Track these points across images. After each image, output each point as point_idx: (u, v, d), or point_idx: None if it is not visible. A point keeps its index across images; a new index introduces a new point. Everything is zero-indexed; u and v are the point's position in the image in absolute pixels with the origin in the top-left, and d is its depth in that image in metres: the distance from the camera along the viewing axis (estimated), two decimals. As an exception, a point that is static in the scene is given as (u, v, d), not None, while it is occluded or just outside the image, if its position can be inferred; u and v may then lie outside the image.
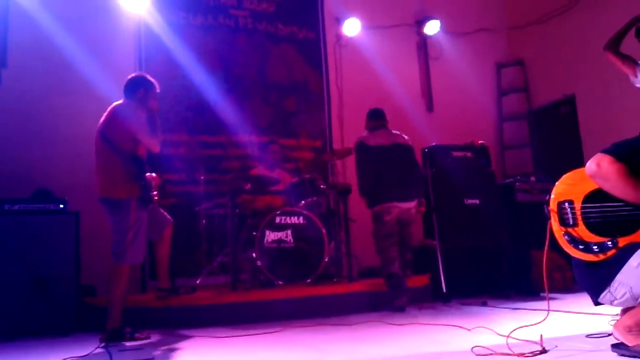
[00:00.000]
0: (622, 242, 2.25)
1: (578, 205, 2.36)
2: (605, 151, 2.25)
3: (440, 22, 7.29)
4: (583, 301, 3.86)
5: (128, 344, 3.48)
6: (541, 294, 4.62)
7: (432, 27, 7.31)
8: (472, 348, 2.54)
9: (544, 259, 2.48)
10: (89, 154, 3.85)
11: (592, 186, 2.33)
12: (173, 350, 3.27)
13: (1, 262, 4.11)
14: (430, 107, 7.45)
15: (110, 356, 3.04)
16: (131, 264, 3.69)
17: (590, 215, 2.34)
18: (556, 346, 2.50)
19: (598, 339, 2.62)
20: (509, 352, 2.40)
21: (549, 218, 2.42)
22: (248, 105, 6.46)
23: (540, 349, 2.41)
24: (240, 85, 6.50)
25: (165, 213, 4.14)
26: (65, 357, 2.99)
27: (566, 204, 2.39)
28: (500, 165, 7.58)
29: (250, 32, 6.68)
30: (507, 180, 5.90)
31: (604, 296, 2.32)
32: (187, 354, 3.12)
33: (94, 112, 3.99)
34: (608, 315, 3.14)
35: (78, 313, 4.25)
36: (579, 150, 6.85)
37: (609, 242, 2.27)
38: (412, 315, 4.21)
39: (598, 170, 2.23)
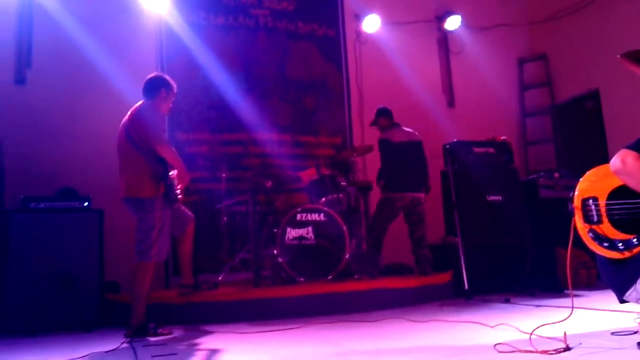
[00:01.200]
0: None
1: (602, 202, 2.33)
2: (630, 147, 2.21)
3: (461, 17, 7.23)
4: (608, 298, 3.81)
5: (152, 339, 3.52)
6: (565, 291, 4.55)
7: (452, 23, 7.26)
8: (495, 345, 2.52)
9: (568, 256, 2.45)
10: (112, 153, 3.90)
11: (616, 182, 2.30)
12: (196, 345, 3.31)
13: (27, 259, 4.20)
14: (451, 102, 7.38)
15: (135, 351, 3.08)
16: (155, 261, 3.72)
17: (615, 212, 2.30)
18: (580, 343, 2.46)
19: (623, 336, 2.57)
20: (531, 349, 2.37)
21: (573, 215, 2.38)
22: (268, 103, 6.49)
23: (564, 346, 2.37)
24: (261, 84, 6.53)
25: (187, 210, 4.18)
26: (90, 352, 3.04)
27: (590, 201, 2.35)
28: (522, 161, 7.48)
29: (270, 30, 6.70)
30: (530, 177, 5.81)
31: (630, 294, 2.28)
32: (210, 349, 3.14)
33: (116, 111, 4.06)
34: (634, 312, 3.08)
35: (102, 309, 4.33)
36: (604, 146, 6.72)
37: (635, 240, 2.23)
38: (434, 312, 4.18)
39: (623, 167, 2.20)
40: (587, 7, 6.89)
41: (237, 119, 6.21)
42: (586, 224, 2.34)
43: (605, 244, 2.29)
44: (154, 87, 3.94)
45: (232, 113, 6.20)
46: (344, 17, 7.10)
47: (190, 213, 4.19)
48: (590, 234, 2.32)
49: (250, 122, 6.24)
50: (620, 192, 2.29)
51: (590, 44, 6.91)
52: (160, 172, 3.69)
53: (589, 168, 2.44)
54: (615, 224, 2.30)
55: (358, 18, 7.06)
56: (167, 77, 4.05)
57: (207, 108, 6.20)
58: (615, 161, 2.23)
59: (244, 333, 3.58)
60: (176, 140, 5.73)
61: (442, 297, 4.83)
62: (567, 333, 2.44)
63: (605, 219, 2.31)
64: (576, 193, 2.40)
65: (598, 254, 2.33)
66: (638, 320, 2.79)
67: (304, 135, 6.56)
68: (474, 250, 4.99)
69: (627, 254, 2.24)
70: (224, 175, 5.35)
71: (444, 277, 5.07)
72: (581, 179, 2.42)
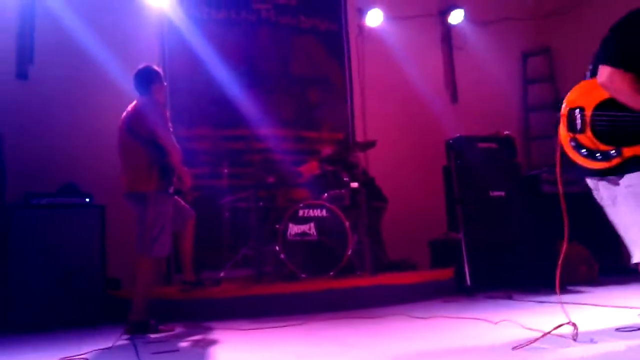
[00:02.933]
0: (627, 152, 2.25)
1: (589, 112, 2.37)
2: (613, 63, 2.26)
3: (465, 11, 7.17)
4: (610, 295, 3.79)
5: (153, 336, 3.52)
6: (568, 287, 4.53)
7: (456, 17, 7.20)
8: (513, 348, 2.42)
9: (563, 248, 2.53)
10: (114, 148, 3.89)
11: (605, 95, 2.34)
12: (197, 342, 3.31)
13: (29, 255, 4.21)
14: (454, 97, 7.34)
15: (136, 348, 3.08)
16: (157, 257, 3.72)
17: (598, 123, 2.34)
18: (592, 339, 2.45)
19: (628, 332, 2.57)
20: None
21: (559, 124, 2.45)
22: (271, 98, 6.46)
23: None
24: (263, 79, 6.49)
25: (188, 206, 4.17)
26: (91, 349, 3.04)
27: (577, 110, 2.39)
28: (526, 156, 7.43)
29: (273, 25, 6.67)
30: (533, 172, 5.78)
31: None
32: (211, 345, 3.14)
33: (118, 107, 4.03)
34: (637, 308, 3.07)
35: (104, 305, 4.33)
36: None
37: (613, 152, 2.27)
38: (436, 308, 4.17)
39: (610, 85, 2.26)
40: (592, 1, 6.83)
41: (239, 115, 6.18)
42: (569, 133, 2.39)
43: (584, 152, 2.34)
44: (148, 81, 3.90)
45: (234, 108, 6.17)
46: (347, 12, 7.05)
47: (191, 209, 4.18)
48: (572, 143, 2.37)
49: (252, 118, 6.21)
50: (608, 104, 2.33)
51: (594, 38, 6.81)
52: (163, 165, 3.68)
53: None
54: (598, 134, 2.33)
55: (361, 12, 7.01)
56: (154, 66, 4.02)
57: (209, 103, 6.17)
58: (601, 79, 2.28)
59: (246, 330, 3.57)
60: (178, 136, 5.69)
61: (444, 293, 4.81)
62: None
63: (588, 129, 2.35)
64: (564, 102, 2.44)
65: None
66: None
67: (306, 131, 6.54)
68: (476, 246, 4.96)
69: (605, 165, 2.29)
70: (225, 171, 5.33)
71: (446, 273, 5.05)
72: (571, 90, 2.46)
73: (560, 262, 2.57)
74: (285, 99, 6.60)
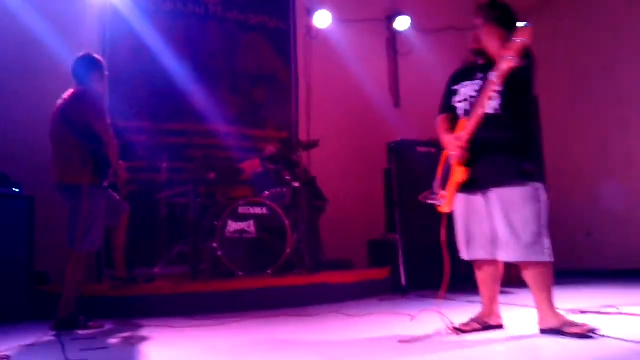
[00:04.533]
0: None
1: None
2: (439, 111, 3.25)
3: (411, 18, 7.31)
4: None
5: (81, 332, 3.41)
6: (505, 289, 4.71)
7: (402, 23, 7.34)
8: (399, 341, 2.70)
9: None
10: (46, 137, 3.74)
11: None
12: (127, 339, 3.23)
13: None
14: (397, 102, 7.49)
15: (63, 345, 2.97)
16: (88, 251, 3.61)
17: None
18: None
19: (551, 334, 2.69)
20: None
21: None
22: (215, 94, 6.36)
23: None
24: (209, 74, 6.39)
25: (122, 200, 4.07)
26: (16, 345, 2.92)
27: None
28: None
29: (220, 20, 6.59)
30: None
31: None
32: (142, 343, 3.08)
33: (54, 95, 3.86)
34: (562, 310, 3.22)
35: (31, 300, 4.15)
36: (540, 146, 7.02)
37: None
38: (372, 306, 4.26)
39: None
40: (534, 16, 7.09)
41: (182, 109, 6.08)
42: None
43: None
44: (89, 69, 3.78)
45: (177, 102, 6.06)
46: (295, 11, 7.07)
47: (125, 204, 4.08)
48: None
49: (195, 113, 6.11)
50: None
51: (535, 51, 7.14)
52: (99, 158, 3.58)
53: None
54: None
55: (309, 13, 7.04)
56: (95, 55, 3.90)
57: (150, 96, 6.02)
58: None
59: (178, 327, 3.51)
60: (116, 127, 5.53)
61: (380, 292, 4.92)
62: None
63: None
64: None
65: None
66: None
67: (249, 128, 6.50)
68: (412, 248, 5.09)
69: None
70: (164, 165, 5.22)
71: (383, 273, 5.15)
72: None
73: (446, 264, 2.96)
74: (230, 95, 6.54)
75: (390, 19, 7.43)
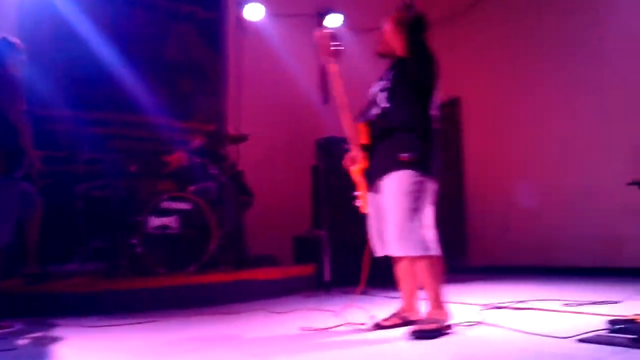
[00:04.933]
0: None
1: None
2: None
3: (343, 16, 7.35)
4: (457, 292, 4.13)
5: (-13, 333, 3.20)
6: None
7: (333, 21, 7.37)
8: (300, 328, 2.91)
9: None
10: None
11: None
12: (38, 339, 3.07)
13: None
14: (326, 99, 7.52)
15: (-35, 347, 2.78)
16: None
17: None
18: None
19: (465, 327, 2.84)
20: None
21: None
22: (141, 83, 6.13)
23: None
24: (135, 62, 6.15)
25: (35, 193, 3.85)
26: None
27: None
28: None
29: (149, 7, 6.38)
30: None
31: None
32: (54, 343, 2.92)
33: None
34: (477, 305, 3.38)
35: None
36: (459, 147, 7.30)
37: None
38: (296, 303, 4.28)
39: None
40: (458, 19, 7.34)
41: (106, 98, 5.85)
42: None
43: None
44: (2, 53, 3.57)
45: (101, 91, 5.83)
46: (227, 3, 6.95)
47: (39, 196, 3.86)
48: None
49: (119, 102, 5.89)
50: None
51: (457, 54, 7.39)
52: (12, 147, 3.40)
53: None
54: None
55: (240, 5, 6.94)
56: (11, 38, 3.68)
57: (71, 82, 5.74)
58: None
59: (92, 327, 3.37)
60: (34, 115, 5.22)
61: (305, 288, 4.95)
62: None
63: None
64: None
65: None
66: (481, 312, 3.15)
67: (177, 120, 6.33)
68: (337, 244, 5.15)
69: None
70: (84, 156, 4.98)
71: (308, 269, 5.18)
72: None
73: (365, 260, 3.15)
74: (157, 85, 6.33)
75: (322, 15, 7.44)
